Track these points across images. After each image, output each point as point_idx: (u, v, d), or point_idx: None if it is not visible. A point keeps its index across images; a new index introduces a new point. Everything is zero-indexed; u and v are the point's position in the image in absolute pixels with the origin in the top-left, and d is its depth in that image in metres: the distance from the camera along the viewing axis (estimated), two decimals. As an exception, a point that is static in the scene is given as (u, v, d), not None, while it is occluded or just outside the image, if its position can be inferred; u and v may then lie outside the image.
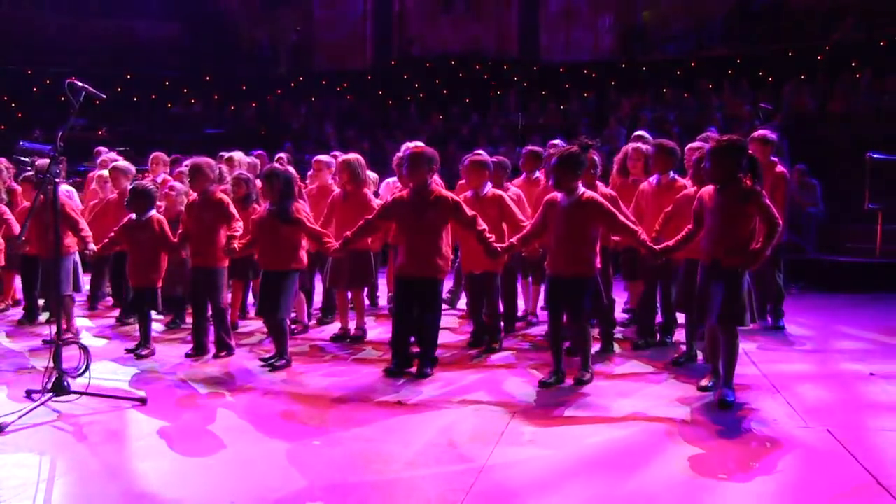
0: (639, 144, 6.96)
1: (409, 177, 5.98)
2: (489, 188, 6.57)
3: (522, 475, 4.00)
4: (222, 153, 8.40)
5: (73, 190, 8.83)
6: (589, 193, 5.52)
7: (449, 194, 5.98)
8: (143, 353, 6.47)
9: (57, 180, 5.22)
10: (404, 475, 3.99)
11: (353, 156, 7.01)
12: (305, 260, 6.37)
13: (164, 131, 17.54)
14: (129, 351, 6.55)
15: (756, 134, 7.24)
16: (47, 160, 5.10)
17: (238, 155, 8.29)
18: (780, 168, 7.23)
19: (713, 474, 3.96)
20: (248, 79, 19.80)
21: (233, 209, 6.45)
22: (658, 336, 6.68)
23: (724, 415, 4.86)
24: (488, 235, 5.82)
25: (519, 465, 4.12)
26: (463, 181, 7.15)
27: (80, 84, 5.15)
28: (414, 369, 5.85)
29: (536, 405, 5.11)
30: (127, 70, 18.91)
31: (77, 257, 7.27)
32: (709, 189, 5.22)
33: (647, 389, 5.44)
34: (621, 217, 5.53)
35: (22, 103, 18.04)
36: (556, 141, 8.13)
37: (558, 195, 5.56)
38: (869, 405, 5.10)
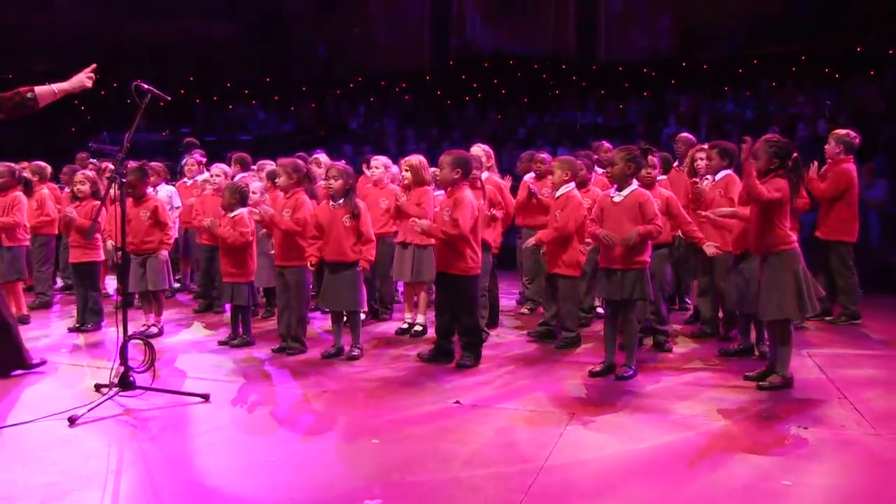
0: (705, 145, 7.20)
1: (440, 180, 6.26)
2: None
3: (581, 476, 3.98)
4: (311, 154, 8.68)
5: (175, 190, 9.09)
6: (639, 190, 5.75)
7: (466, 194, 6.13)
8: (239, 344, 6.72)
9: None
10: (462, 475, 4.00)
11: (415, 158, 7.13)
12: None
13: (225, 133, 17.86)
14: (221, 343, 6.77)
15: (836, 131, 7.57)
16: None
17: (324, 157, 8.53)
18: (846, 165, 7.38)
19: (777, 480, 3.89)
20: (307, 80, 20.02)
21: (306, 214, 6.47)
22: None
23: (789, 420, 4.76)
24: (447, 234, 5.96)
25: (578, 467, 4.10)
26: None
27: (145, 87, 5.26)
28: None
29: (595, 406, 5.08)
30: (189, 72, 19.30)
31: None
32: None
33: (706, 392, 5.36)
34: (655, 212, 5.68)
35: (90, 106, 18.53)
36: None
37: (611, 192, 5.82)
38: (942, 412, 4.95)
